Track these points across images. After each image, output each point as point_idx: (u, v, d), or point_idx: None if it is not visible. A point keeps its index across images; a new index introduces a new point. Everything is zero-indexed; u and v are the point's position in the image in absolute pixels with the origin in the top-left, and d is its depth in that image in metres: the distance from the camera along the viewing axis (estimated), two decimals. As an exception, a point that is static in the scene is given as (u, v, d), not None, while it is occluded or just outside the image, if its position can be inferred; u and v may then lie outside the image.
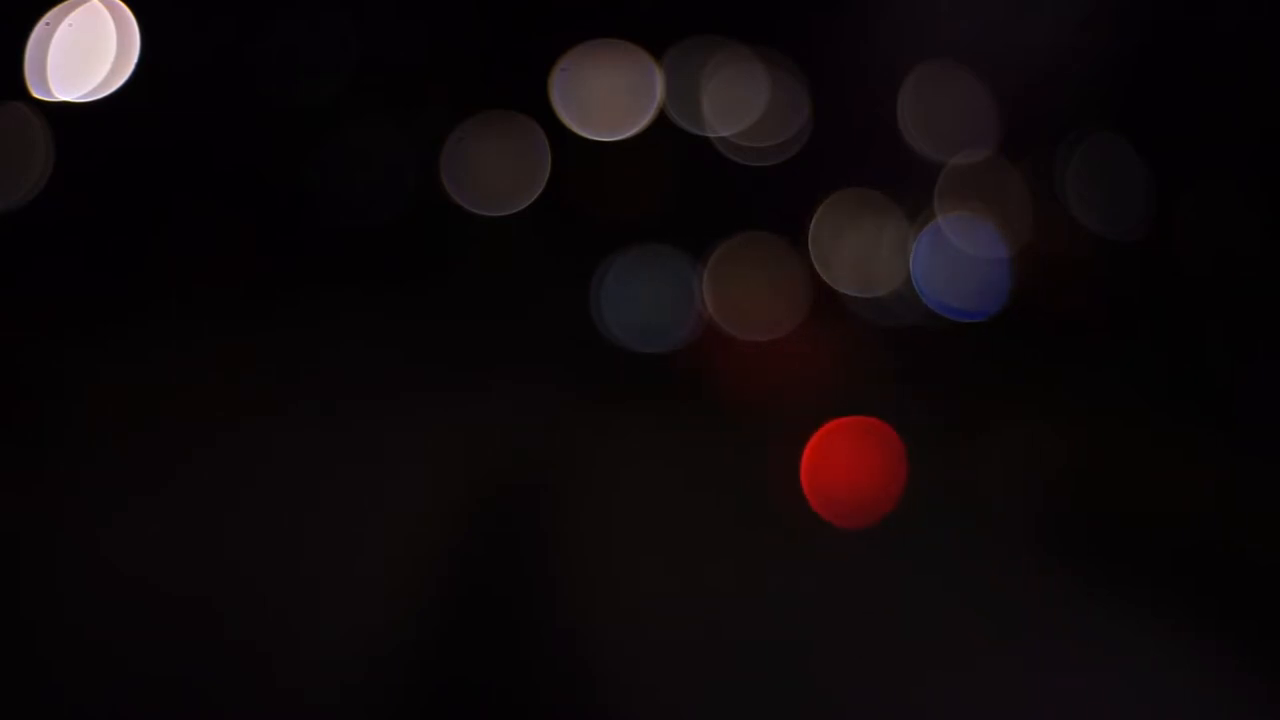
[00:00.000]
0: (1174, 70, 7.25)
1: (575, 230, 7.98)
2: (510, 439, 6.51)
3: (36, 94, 6.54)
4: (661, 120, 8.16)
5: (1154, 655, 4.06)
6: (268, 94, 7.38)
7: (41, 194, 6.63)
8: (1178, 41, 7.20)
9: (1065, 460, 6.05)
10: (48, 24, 6.47)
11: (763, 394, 7.22)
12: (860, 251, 8.21)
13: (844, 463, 5.98)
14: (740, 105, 8.20)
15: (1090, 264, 7.71)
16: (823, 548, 5.04)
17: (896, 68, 7.95)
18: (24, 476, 5.12)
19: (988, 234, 7.97)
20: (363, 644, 4.02)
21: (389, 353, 7.02)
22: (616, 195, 7.99)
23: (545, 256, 7.89)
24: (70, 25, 6.53)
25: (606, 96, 8.08)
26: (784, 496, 5.75)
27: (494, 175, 7.94)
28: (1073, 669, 3.93)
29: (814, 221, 8.19)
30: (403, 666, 3.92)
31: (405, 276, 7.46)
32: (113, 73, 6.67)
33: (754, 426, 6.70)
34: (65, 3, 6.54)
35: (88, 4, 6.61)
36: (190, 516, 4.98)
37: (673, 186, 8.13)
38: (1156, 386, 6.64)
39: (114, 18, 6.65)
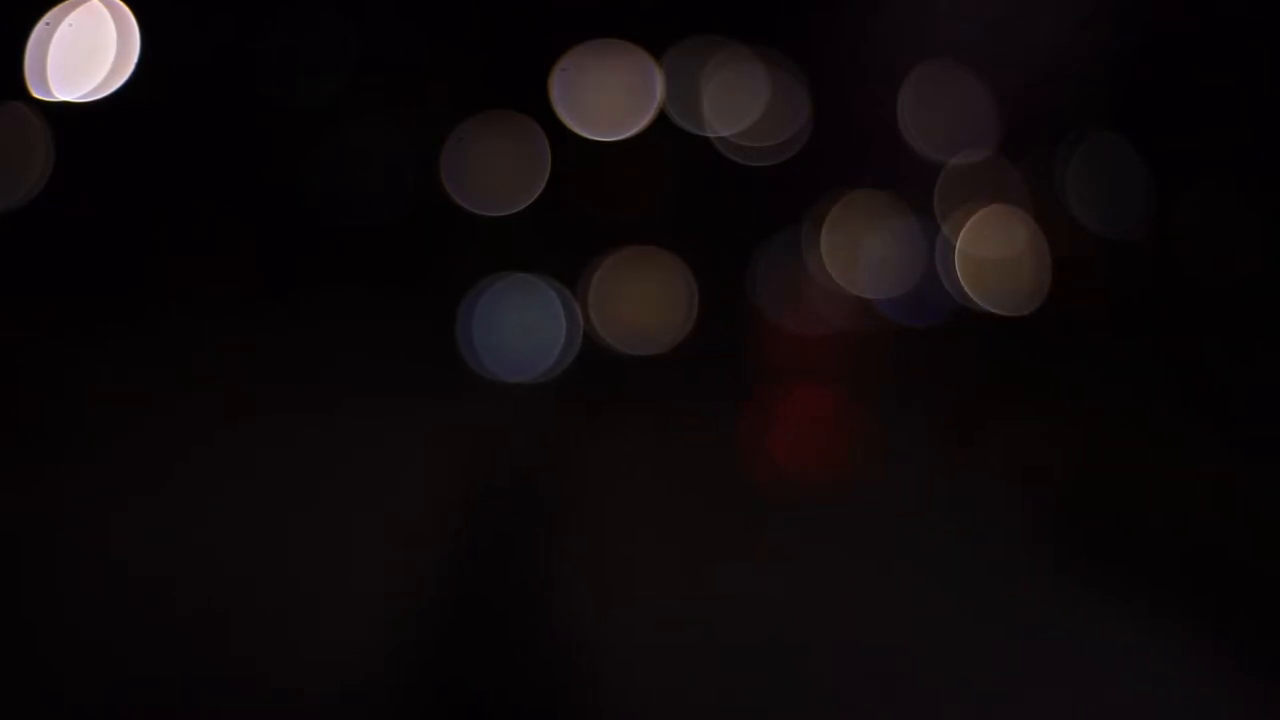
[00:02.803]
0: (1174, 70, 7.25)
1: (575, 230, 7.98)
2: (507, 439, 6.51)
3: (36, 94, 6.55)
4: (661, 120, 8.15)
5: (1152, 656, 4.06)
6: (268, 94, 7.38)
7: (41, 194, 6.63)
8: (1178, 41, 7.20)
9: (1064, 460, 6.05)
10: (48, 24, 6.47)
11: (759, 395, 7.22)
12: (861, 252, 8.21)
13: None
14: (740, 105, 8.20)
15: (1090, 264, 7.71)
16: (820, 548, 5.04)
17: (896, 68, 7.95)
18: (24, 476, 5.12)
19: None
20: (361, 644, 4.03)
21: (388, 353, 7.03)
22: (616, 195, 7.99)
23: (545, 256, 7.89)
24: (70, 25, 6.53)
25: (606, 96, 8.07)
26: (778, 496, 5.75)
27: (494, 175, 7.94)
28: (1071, 669, 3.93)
29: (814, 222, 8.19)
30: (400, 667, 3.92)
31: (405, 276, 7.46)
32: (113, 73, 6.67)
33: (751, 427, 6.71)
34: (65, 3, 6.54)
35: (88, 4, 6.60)
36: (190, 516, 4.99)
37: (673, 186, 8.13)
38: (1156, 387, 6.63)
39: (114, 18, 6.65)
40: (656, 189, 8.08)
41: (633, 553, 4.89)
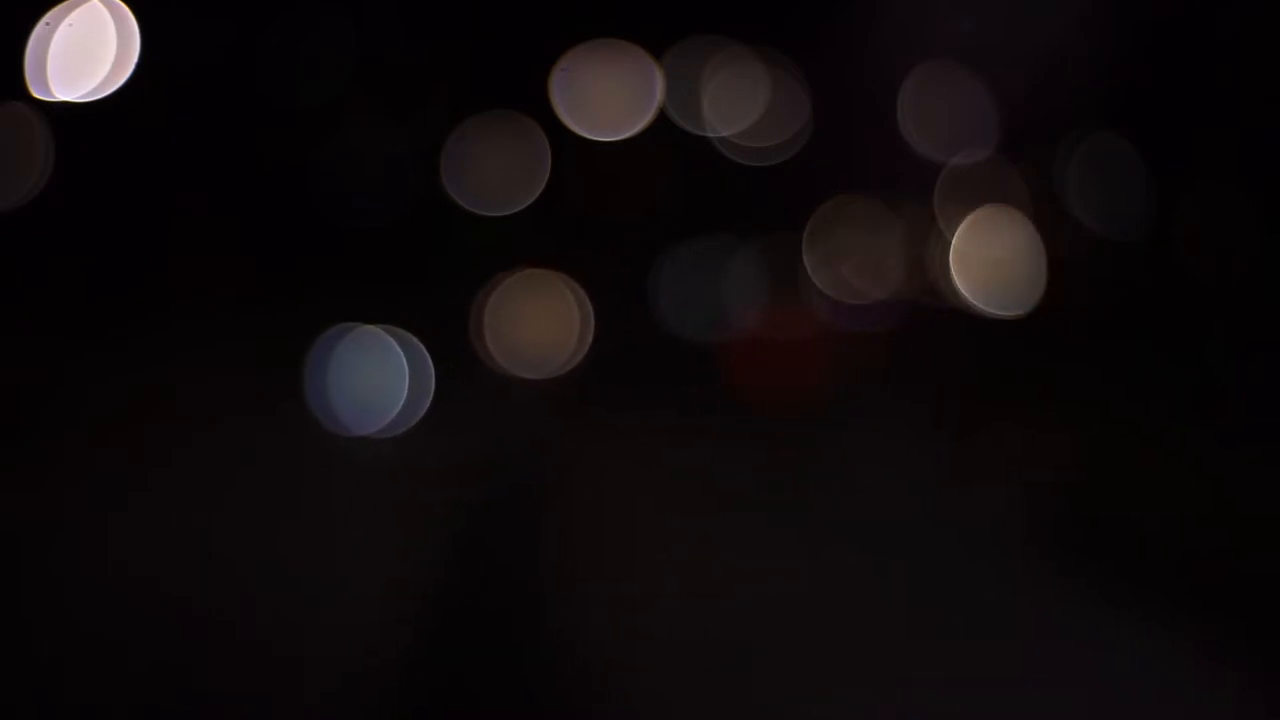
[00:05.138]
0: (1174, 70, 7.25)
1: (575, 230, 7.98)
2: (505, 438, 6.51)
3: (36, 94, 6.55)
4: (661, 120, 8.15)
5: (1150, 657, 4.06)
6: (268, 94, 7.38)
7: (41, 194, 6.63)
8: (1177, 42, 7.20)
9: (1063, 461, 6.05)
10: (48, 24, 6.47)
11: (757, 395, 7.23)
12: (860, 253, 8.21)
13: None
14: (740, 105, 8.20)
15: (1090, 264, 7.71)
16: (817, 547, 5.04)
17: (896, 68, 7.95)
18: (24, 476, 5.12)
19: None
20: (360, 643, 4.03)
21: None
22: (616, 195, 7.99)
23: (545, 256, 7.90)
24: (70, 25, 6.53)
25: (606, 96, 8.07)
26: (776, 492, 5.76)
27: (494, 175, 7.94)
28: (1068, 670, 3.93)
29: (814, 222, 8.19)
30: (399, 666, 3.93)
31: (405, 276, 7.46)
32: (113, 73, 6.68)
33: (748, 427, 6.72)
34: (65, 3, 6.54)
35: (88, 4, 6.61)
36: (190, 516, 4.99)
37: (673, 186, 8.13)
38: (1156, 387, 6.63)
39: (114, 18, 6.66)
40: (656, 189, 8.08)
41: (629, 551, 4.89)
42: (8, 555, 4.46)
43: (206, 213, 7.19)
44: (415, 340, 6.71)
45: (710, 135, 8.26)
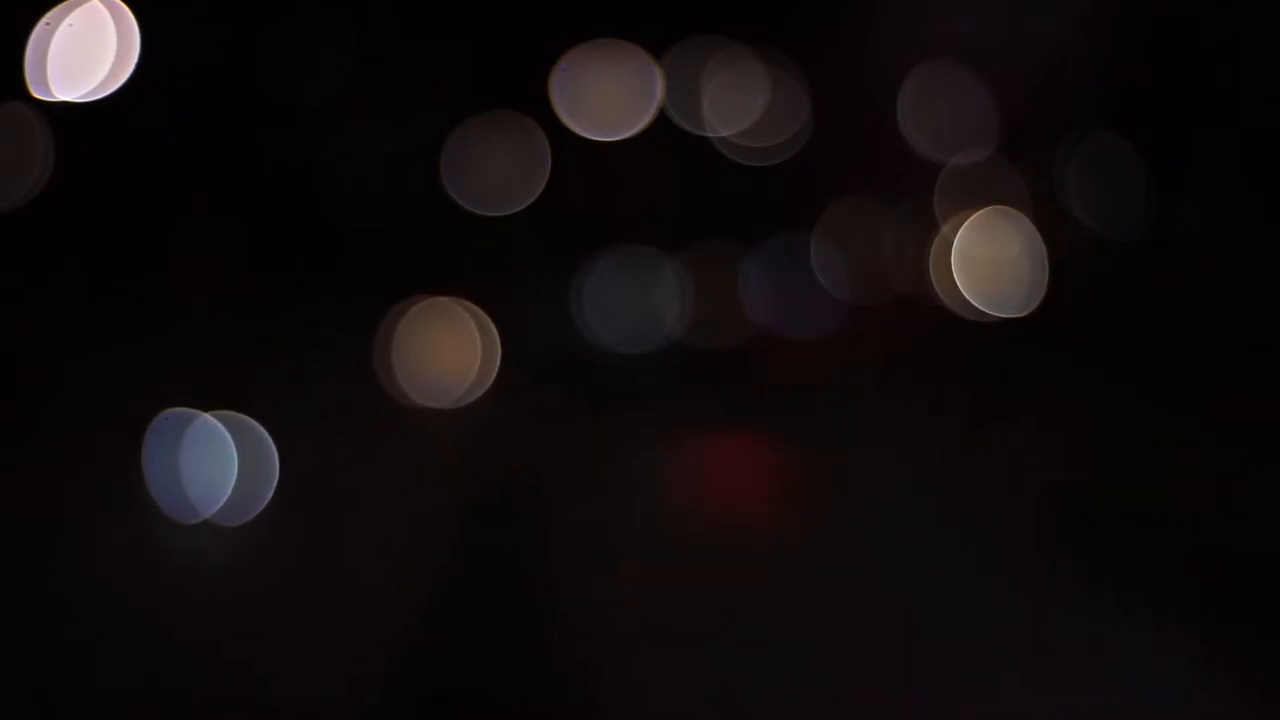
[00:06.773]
0: (1174, 70, 7.25)
1: (575, 230, 7.98)
2: (505, 439, 6.52)
3: (36, 94, 6.55)
4: (662, 120, 8.15)
5: (1149, 656, 4.06)
6: (268, 94, 7.37)
7: (41, 194, 6.63)
8: (1177, 42, 7.20)
9: (1064, 461, 6.05)
10: (48, 24, 6.47)
11: (757, 396, 7.23)
12: (860, 253, 8.21)
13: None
14: (740, 105, 8.20)
15: (1090, 264, 7.70)
16: (818, 548, 5.04)
17: (896, 68, 7.95)
18: (24, 476, 5.13)
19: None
20: (358, 645, 4.03)
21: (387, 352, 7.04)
22: (616, 195, 7.99)
23: (545, 257, 7.89)
24: (70, 25, 6.53)
25: (606, 96, 8.07)
26: (779, 497, 5.76)
27: (494, 175, 7.94)
28: (1068, 670, 3.93)
29: (817, 224, 8.19)
30: (398, 667, 3.93)
31: (405, 276, 7.47)
32: (113, 73, 6.67)
33: (748, 427, 6.72)
34: (65, 3, 6.54)
35: (88, 4, 6.61)
36: (190, 516, 4.99)
37: (673, 186, 8.12)
38: (1156, 387, 6.63)
39: (114, 18, 6.66)
40: (656, 189, 8.07)
41: (629, 552, 4.89)
42: (8, 555, 4.46)
43: (206, 213, 7.18)
44: (257, 425, 6.43)
45: (710, 135, 8.25)
